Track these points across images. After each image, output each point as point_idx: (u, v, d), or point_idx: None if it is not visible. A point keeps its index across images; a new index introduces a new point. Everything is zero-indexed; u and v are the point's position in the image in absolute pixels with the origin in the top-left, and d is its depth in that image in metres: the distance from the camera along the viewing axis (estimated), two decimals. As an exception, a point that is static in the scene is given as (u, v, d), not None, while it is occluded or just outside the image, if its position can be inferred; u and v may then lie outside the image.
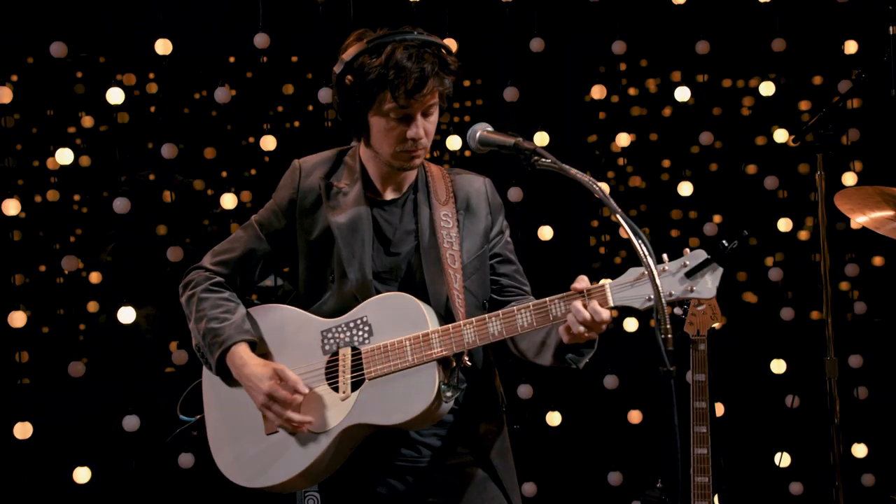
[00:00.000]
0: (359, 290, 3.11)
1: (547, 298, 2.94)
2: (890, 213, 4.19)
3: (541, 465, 5.48)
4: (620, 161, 5.97)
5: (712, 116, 6.05)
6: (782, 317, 5.70)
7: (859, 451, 5.63)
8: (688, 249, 2.83)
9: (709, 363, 4.29)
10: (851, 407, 5.56)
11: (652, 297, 2.78)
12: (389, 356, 3.03)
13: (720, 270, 2.81)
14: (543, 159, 2.94)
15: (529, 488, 5.38)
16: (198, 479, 3.25)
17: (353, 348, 3.08)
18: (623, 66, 6.09)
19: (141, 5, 5.35)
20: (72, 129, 5.75)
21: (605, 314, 2.87)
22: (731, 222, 6.15)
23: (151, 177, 5.84)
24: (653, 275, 2.66)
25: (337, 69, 3.07)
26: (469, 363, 3.07)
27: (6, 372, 5.35)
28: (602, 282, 2.88)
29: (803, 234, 6.00)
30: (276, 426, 3.13)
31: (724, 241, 2.77)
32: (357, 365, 3.07)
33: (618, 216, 2.72)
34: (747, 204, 6.10)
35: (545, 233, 5.46)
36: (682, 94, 5.63)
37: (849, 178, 5.63)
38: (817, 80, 6.19)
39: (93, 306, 5.73)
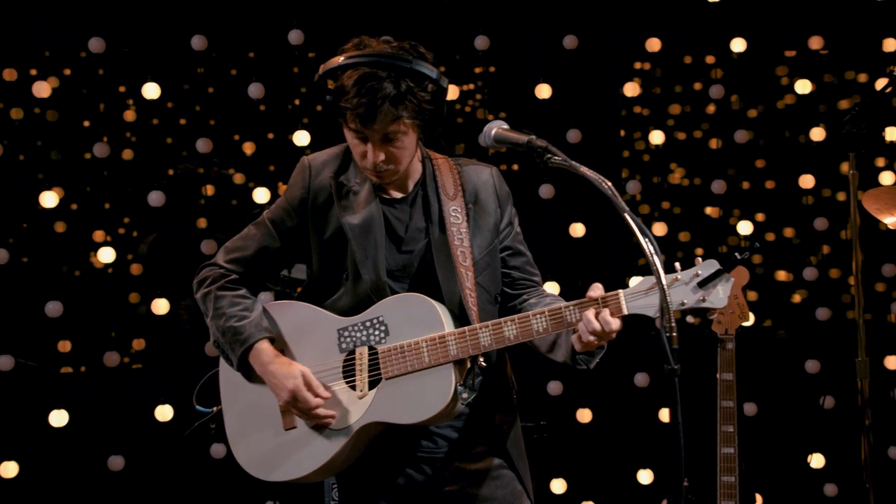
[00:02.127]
0: (373, 290, 3.14)
1: (562, 305, 2.97)
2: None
3: (570, 462, 5.49)
4: (646, 157, 5.95)
5: (749, 114, 6.01)
6: (818, 317, 5.65)
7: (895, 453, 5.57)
8: (699, 259, 2.86)
9: (737, 362, 4.27)
10: (888, 408, 5.50)
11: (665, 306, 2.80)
12: (406, 356, 3.06)
13: (731, 280, 2.84)
14: (555, 157, 2.95)
15: (558, 485, 5.39)
16: (230, 469, 3.29)
17: (370, 348, 3.11)
18: (656, 64, 6.05)
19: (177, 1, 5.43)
20: (109, 124, 5.83)
21: (616, 324, 2.90)
22: (771, 221, 6.12)
23: (201, 170, 5.92)
24: (658, 272, 2.69)
25: (316, 76, 3.10)
26: (484, 364, 3.10)
27: (48, 360, 5.45)
28: (616, 290, 2.90)
29: (844, 234, 5.95)
30: (294, 422, 3.17)
31: (736, 253, 2.79)
32: (374, 364, 3.10)
33: (625, 215, 2.74)
34: (784, 202, 6.07)
35: (577, 230, 5.45)
36: (717, 91, 5.60)
37: (886, 178, 5.57)
38: (862, 77, 6.14)
39: (133, 297, 5.82)
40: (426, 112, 3.04)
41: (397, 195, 3.22)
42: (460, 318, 3.11)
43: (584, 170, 2.88)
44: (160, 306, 5.24)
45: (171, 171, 5.84)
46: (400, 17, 5.28)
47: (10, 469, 5.10)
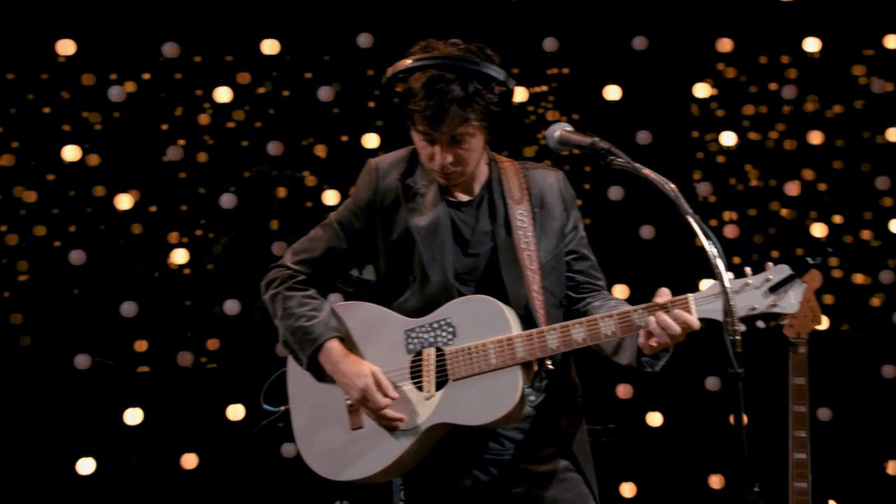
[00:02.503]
0: (441, 293, 3.15)
1: (630, 308, 2.96)
2: None
3: (640, 466, 5.45)
4: (720, 159, 5.89)
5: (823, 115, 5.92)
6: (895, 321, 5.56)
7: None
8: (770, 263, 2.84)
9: (812, 366, 4.21)
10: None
11: (737, 310, 2.79)
12: (473, 358, 3.06)
13: (803, 286, 2.82)
14: (618, 159, 2.95)
15: (628, 488, 5.36)
16: (300, 468, 3.32)
17: (437, 349, 3.12)
18: (729, 64, 5.98)
19: (249, 6, 5.48)
20: (182, 126, 5.91)
21: (695, 323, 2.89)
22: (848, 223, 6.03)
23: (274, 172, 5.97)
24: (721, 275, 2.67)
25: (384, 79, 3.13)
26: (552, 367, 3.09)
27: (124, 360, 5.54)
28: (685, 294, 2.89)
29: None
30: (362, 421, 3.19)
31: (808, 258, 2.76)
32: (441, 365, 3.11)
33: (689, 217, 2.73)
34: (861, 204, 5.97)
35: (647, 232, 5.42)
36: (790, 91, 5.52)
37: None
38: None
39: (203, 299, 5.89)
40: (493, 114, 3.05)
41: (464, 198, 3.23)
42: (527, 321, 3.11)
43: (647, 171, 2.87)
44: (233, 307, 5.29)
45: (245, 174, 5.90)
46: (469, 19, 5.30)
47: (87, 466, 5.19)
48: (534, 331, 3.03)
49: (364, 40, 5.24)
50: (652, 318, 2.89)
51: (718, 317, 2.83)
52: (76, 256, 5.19)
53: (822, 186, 6.12)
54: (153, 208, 5.92)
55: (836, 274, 6.15)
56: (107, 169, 5.81)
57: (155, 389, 5.50)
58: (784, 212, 6.03)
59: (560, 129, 3.09)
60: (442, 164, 3.07)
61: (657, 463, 5.62)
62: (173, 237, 5.89)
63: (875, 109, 5.90)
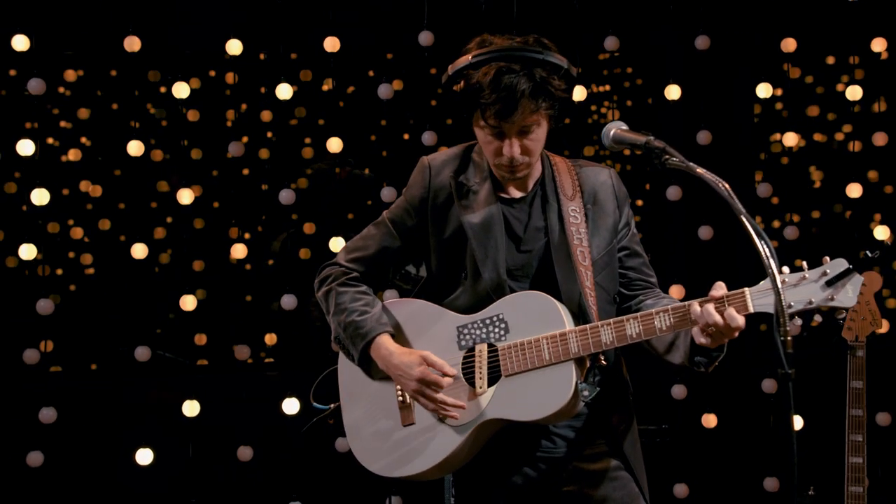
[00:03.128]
0: (493, 289, 3.15)
1: (686, 303, 2.93)
2: None
3: (694, 467, 5.42)
4: (784, 160, 5.83)
5: (885, 116, 5.84)
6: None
7: None
8: (827, 258, 2.80)
9: (870, 370, 4.17)
10: None
11: (793, 304, 2.78)
12: (526, 354, 3.06)
13: (860, 279, 2.78)
14: (673, 158, 2.92)
15: (681, 489, 5.32)
16: (352, 463, 3.35)
17: (490, 345, 3.12)
18: (796, 64, 5.93)
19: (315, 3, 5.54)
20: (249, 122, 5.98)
21: (741, 320, 2.86)
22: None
23: (337, 169, 6.02)
24: (773, 275, 2.65)
25: (444, 77, 3.13)
26: (605, 362, 3.08)
27: (183, 353, 5.62)
28: (742, 288, 2.86)
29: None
30: (413, 418, 3.21)
31: (867, 251, 2.74)
32: (493, 361, 3.11)
33: (742, 217, 2.71)
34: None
35: (705, 232, 5.38)
36: (853, 92, 5.45)
37: None
38: None
39: (263, 293, 5.96)
40: (561, 102, 3.06)
41: (517, 194, 3.23)
42: (580, 317, 3.10)
43: (701, 171, 2.85)
44: (290, 302, 5.35)
45: (308, 171, 5.96)
46: (529, 17, 5.29)
47: (146, 456, 5.28)
48: (588, 325, 3.02)
49: (424, 38, 5.26)
50: (707, 311, 2.86)
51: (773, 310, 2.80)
52: (139, 250, 5.26)
53: (889, 189, 6.05)
54: (216, 204, 6.00)
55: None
56: (170, 164, 5.91)
57: (211, 382, 5.57)
58: (847, 214, 5.96)
59: (615, 128, 3.07)
60: (512, 156, 3.07)
61: (711, 464, 5.58)
62: (233, 232, 5.96)
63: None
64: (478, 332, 3.14)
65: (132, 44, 5.16)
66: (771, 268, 2.65)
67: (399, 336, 3.26)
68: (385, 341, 3.20)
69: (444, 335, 3.20)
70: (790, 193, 5.92)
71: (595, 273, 3.16)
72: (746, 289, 2.86)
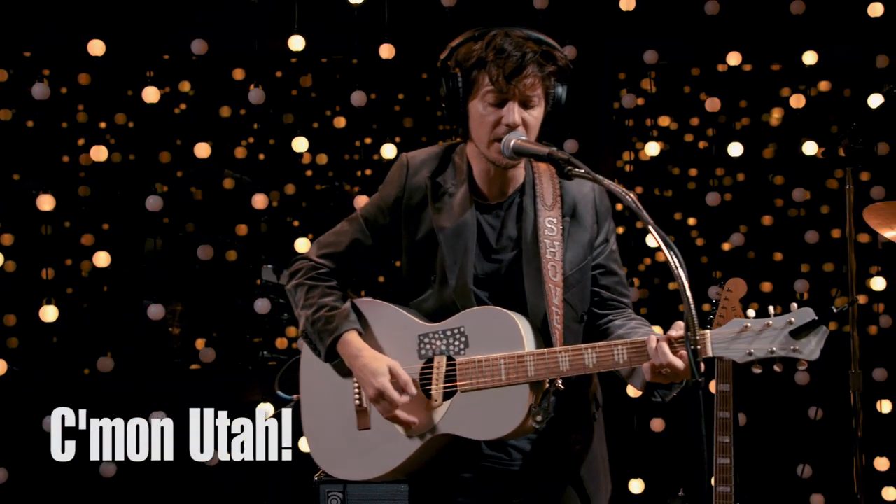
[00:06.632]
0: (459, 296, 3.14)
1: (644, 338, 2.92)
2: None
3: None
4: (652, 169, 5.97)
5: (742, 127, 6.05)
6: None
7: (882, 464, 5.61)
8: (795, 305, 2.76)
9: (733, 373, 4.30)
10: (875, 420, 5.54)
11: (754, 351, 2.77)
12: (483, 371, 3.05)
13: (826, 332, 2.74)
14: (577, 169, 2.94)
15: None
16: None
17: (449, 357, 3.12)
18: (654, 74, 6.07)
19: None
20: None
21: (679, 364, 2.85)
22: (757, 234, 6.15)
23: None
24: (683, 284, 2.67)
25: (443, 55, 3.13)
26: (562, 387, 3.06)
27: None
28: (704, 331, 2.83)
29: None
30: (369, 423, 3.21)
31: (833, 307, 2.71)
32: (451, 375, 3.11)
33: (649, 227, 2.73)
34: (775, 215, 6.11)
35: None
36: (713, 104, 5.64)
37: (877, 192, 5.60)
38: (846, 92, 6.19)
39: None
40: (563, 78, 3.09)
41: (497, 198, 3.21)
42: (543, 333, 3.10)
43: (608, 182, 2.89)
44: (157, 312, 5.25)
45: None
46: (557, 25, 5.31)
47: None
48: (546, 351, 3.01)
49: (385, 52, 5.35)
50: (662, 350, 2.85)
51: (735, 357, 2.80)
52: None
53: (737, 197, 6.25)
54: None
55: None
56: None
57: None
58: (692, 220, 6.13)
59: (515, 139, 3.03)
60: (513, 122, 3.04)
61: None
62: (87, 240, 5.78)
63: (791, 123, 6.02)
64: (438, 342, 3.14)
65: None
66: (680, 277, 2.67)
67: (365, 336, 3.25)
68: (353, 338, 3.21)
69: (405, 342, 3.20)
70: (651, 200, 6.07)
71: (565, 290, 3.14)
72: (708, 332, 2.84)
